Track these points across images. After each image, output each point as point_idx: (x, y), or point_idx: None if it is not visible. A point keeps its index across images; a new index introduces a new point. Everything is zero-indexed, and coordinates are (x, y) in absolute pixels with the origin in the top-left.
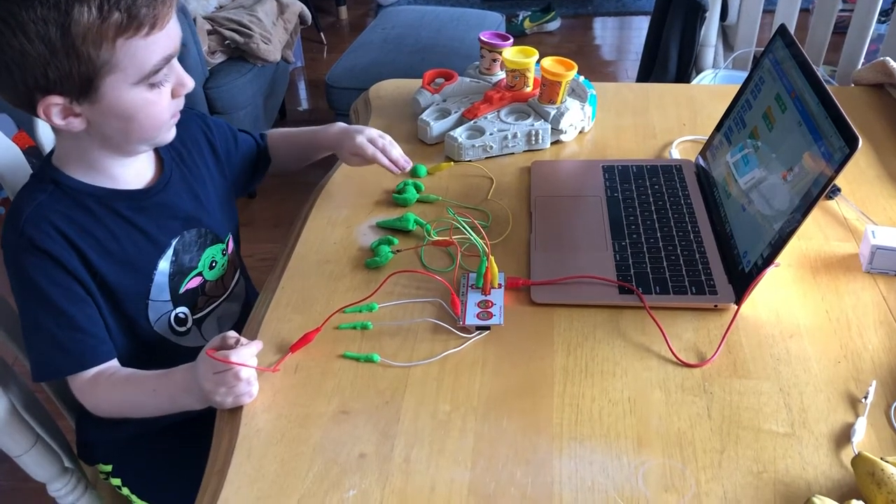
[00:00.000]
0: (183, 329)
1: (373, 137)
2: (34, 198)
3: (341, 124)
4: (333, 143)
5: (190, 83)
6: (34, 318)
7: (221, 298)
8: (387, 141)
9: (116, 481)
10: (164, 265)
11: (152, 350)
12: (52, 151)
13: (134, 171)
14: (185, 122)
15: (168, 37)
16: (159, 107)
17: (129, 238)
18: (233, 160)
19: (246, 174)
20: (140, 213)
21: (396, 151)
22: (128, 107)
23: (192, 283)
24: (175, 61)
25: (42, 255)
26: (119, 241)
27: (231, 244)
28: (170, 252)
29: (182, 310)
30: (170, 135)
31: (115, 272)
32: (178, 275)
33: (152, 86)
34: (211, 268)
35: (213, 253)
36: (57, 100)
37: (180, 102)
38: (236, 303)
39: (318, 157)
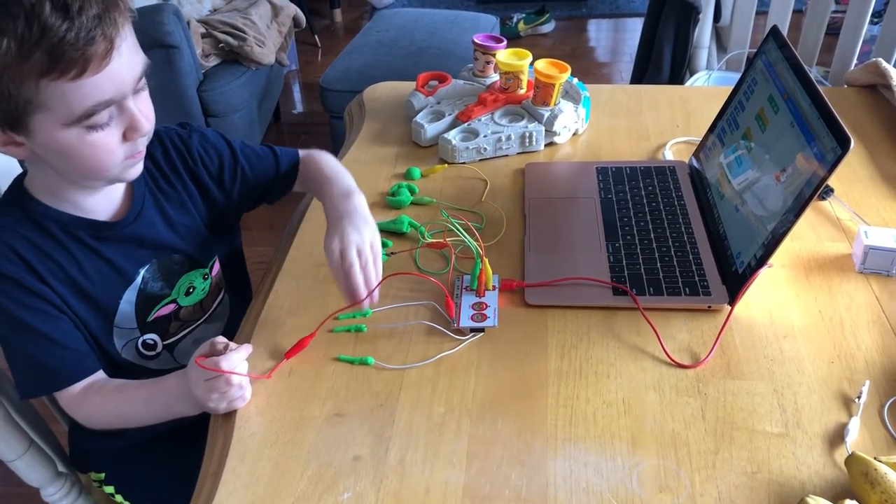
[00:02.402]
0: (151, 353)
1: (345, 249)
2: None
3: (347, 206)
4: (326, 213)
5: (144, 128)
6: (10, 342)
7: (198, 322)
8: (363, 259)
9: (109, 489)
10: (131, 295)
11: (123, 371)
12: (25, 172)
13: (101, 201)
14: (163, 143)
15: (109, 80)
16: (102, 150)
17: (92, 266)
18: (225, 178)
19: (254, 190)
20: (105, 243)
21: (359, 279)
22: (63, 147)
23: (164, 310)
24: (129, 102)
25: (2, 279)
26: (82, 268)
27: (217, 266)
28: (137, 281)
29: (151, 336)
30: (129, 174)
31: (76, 299)
32: (145, 303)
33: (91, 128)
34: (187, 294)
35: (192, 278)
36: None
37: (138, 144)
38: (217, 323)
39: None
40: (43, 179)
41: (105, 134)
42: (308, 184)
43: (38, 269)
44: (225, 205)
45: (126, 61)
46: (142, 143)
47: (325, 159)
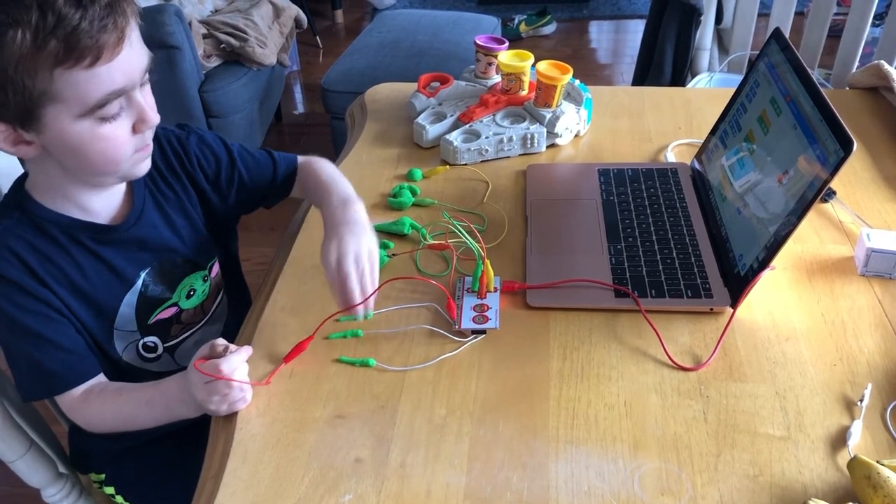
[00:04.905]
0: (152, 356)
1: (341, 258)
2: None
3: (345, 215)
4: (324, 221)
5: (152, 119)
6: (11, 345)
7: (199, 325)
8: (360, 268)
9: (110, 490)
10: (131, 298)
11: (124, 373)
12: (26, 174)
13: (105, 203)
14: (160, 145)
15: (120, 70)
16: (113, 142)
17: (94, 270)
18: (222, 182)
19: (251, 196)
20: (106, 246)
21: (354, 288)
22: (75, 140)
23: (165, 313)
24: (137, 94)
25: (3, 282)
26: (83, 272)
27: (216, 268)
28: (138, 285)
29: (151, 339)
30: (139, 169)
31: (77, 303)
32: (146, 306)
33: (103, 119)
34: (188, 297)
35: (192, 281)
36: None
37: (146, 137)
38: (217, 323)
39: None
40: (45, 180)
41: (116, 126)
42: (306, 190)
43: (38, 273)
44: (221, 208)
45: (135, 51)
46: (149, 136)
47: (323, 166)
